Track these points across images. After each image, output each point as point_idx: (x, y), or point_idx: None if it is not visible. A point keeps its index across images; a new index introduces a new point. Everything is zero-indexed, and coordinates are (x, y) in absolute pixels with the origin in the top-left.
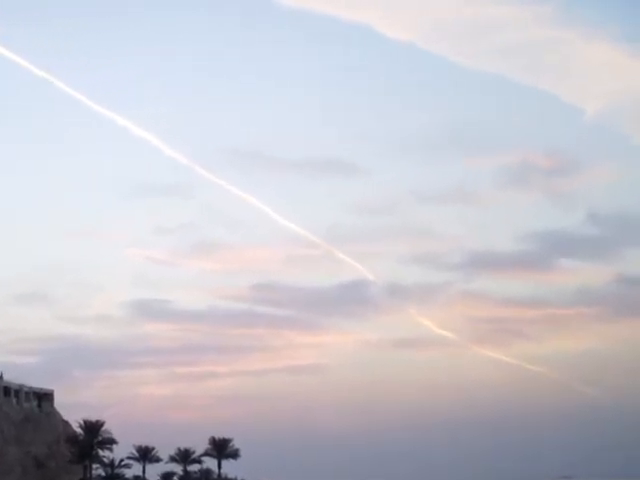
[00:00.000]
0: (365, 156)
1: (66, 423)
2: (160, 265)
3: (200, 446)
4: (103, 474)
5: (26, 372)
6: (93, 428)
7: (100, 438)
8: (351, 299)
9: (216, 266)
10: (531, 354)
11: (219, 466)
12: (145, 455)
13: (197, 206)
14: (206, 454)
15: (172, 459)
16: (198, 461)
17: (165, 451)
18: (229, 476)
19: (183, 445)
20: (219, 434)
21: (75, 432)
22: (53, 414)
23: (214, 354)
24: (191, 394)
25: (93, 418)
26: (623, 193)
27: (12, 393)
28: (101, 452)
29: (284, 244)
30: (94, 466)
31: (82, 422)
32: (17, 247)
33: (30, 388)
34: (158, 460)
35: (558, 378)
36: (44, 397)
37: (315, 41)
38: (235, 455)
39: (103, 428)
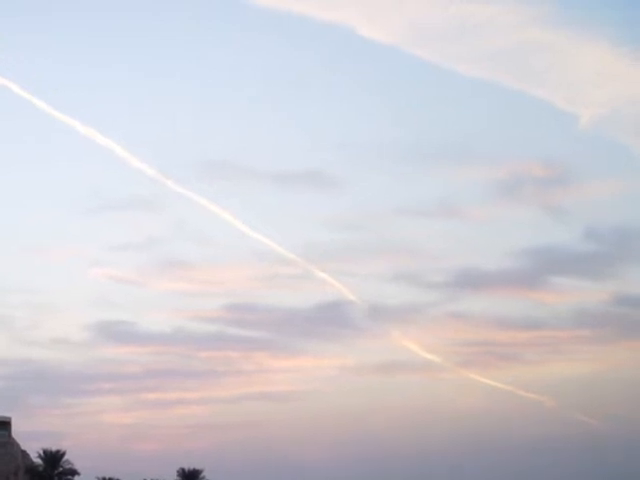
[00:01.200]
0: (344, 167)
1: (25, 453)
2: (125, 284)
3: (168, 477)
4: None
5: None
6: (53, 458)
7: (61, 469)
8: (330, 321)
9: (185, 285)
10: (524, 380)
11: None
12: None
13: (165, 221)
14: None
15: None
16: None
17: None
18: None
19: (150, 476)
20: (189, 465)
21: (34, 463)
22: (10, 444)
23: (183, 379)
24: (158, 422)
25: (53, 448)
26: (623, 207)
27: None
28: None
29: (258, 262)
30: None
31: (42, 452)
32: None
33: None
34: None
35: (553, 405)
36: (0, 425)
37: (290, 43)
38: None
39: (64, 458)
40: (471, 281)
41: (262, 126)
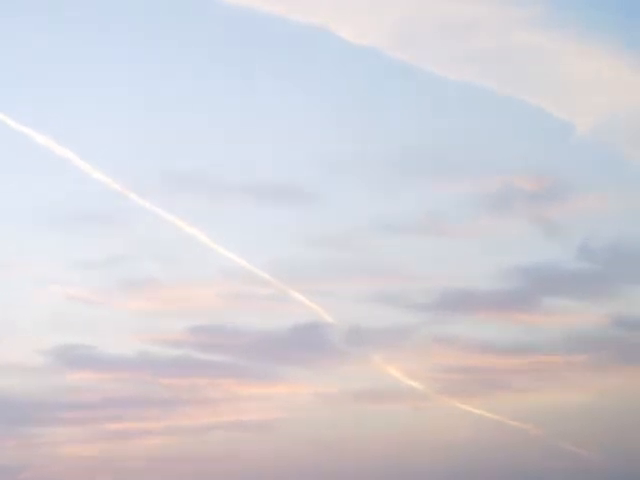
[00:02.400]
0: (321, 180)
1: None
2: (84, 304)
3: None
4: None
5: None
6: None
7: None
8: (305, 345)
9: (149, 306)
10: (513, 408)
11: None
12: None
13: (127, 237)
14: None
15: None
16: None
17: None
18: None
19: None
20: None
21: None
22: None
23: (146, 408)
24: (120, 454)
25: None
26: (620, 222)
27: None
28: None
29: (228, 281)
30: None
31: None
32: None
33: None
34: None
35: (545, 436)
36: None
37: (260, 45)
38: None
39: None
40: (458, 302)
41: (233, 134)
